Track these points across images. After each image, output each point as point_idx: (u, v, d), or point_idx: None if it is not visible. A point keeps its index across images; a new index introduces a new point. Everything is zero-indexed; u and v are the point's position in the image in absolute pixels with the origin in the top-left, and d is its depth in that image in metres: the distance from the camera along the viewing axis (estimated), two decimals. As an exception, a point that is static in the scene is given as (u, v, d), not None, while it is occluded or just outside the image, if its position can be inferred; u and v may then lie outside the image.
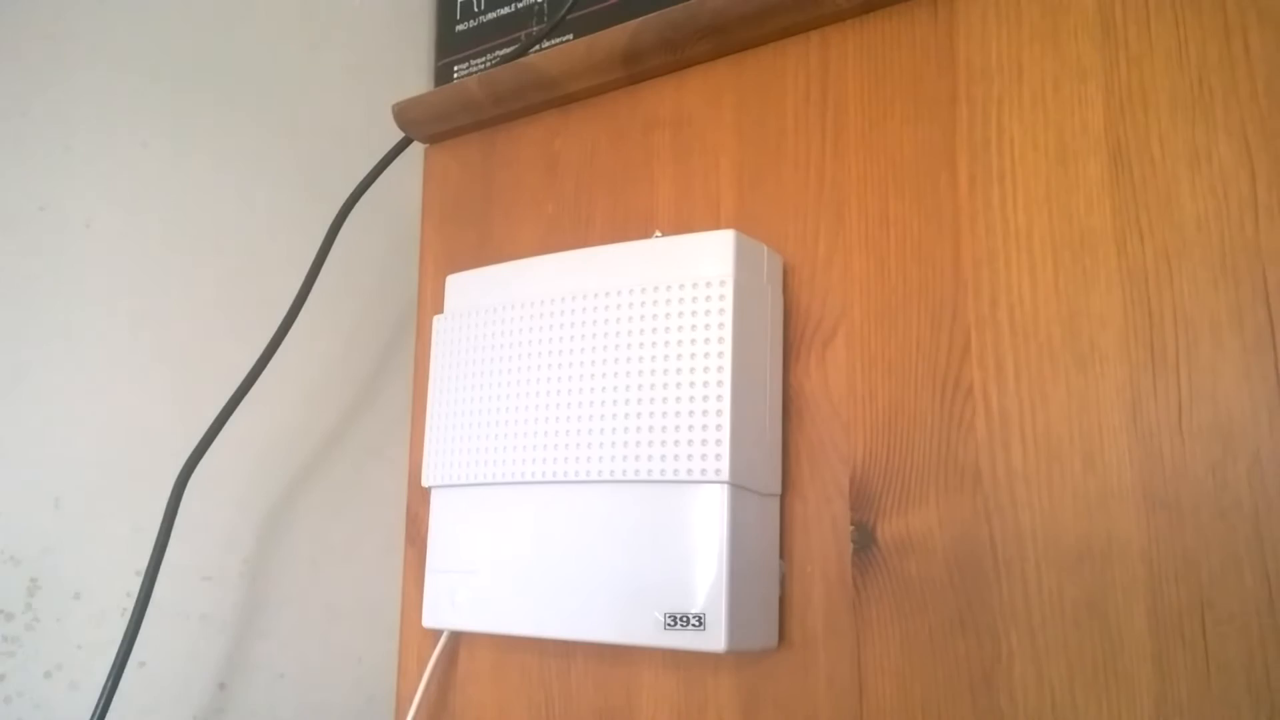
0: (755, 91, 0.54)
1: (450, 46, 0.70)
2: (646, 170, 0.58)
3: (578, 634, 0.47)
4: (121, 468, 0.51)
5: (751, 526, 0.46)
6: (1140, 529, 0.40)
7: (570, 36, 0.63)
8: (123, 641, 0.47)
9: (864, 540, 0.47)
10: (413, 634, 0.62)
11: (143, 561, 0.50)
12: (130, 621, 0.47)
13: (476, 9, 0.69)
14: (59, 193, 0.51)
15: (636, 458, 0.46)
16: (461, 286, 0.56)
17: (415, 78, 0.71)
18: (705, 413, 0.45)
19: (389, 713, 0.62)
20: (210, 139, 0.58)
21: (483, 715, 0.58)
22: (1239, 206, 0.40)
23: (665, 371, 0.46)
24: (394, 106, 0.64)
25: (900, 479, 0.46)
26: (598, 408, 0.48)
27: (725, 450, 0.44)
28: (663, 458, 0.46)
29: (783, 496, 0.49)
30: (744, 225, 0.53)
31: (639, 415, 0.47)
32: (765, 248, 0.50)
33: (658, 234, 0.53)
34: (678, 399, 0.46)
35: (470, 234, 0.65)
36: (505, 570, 0.50)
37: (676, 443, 0.45)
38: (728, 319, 0.46)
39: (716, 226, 0.54)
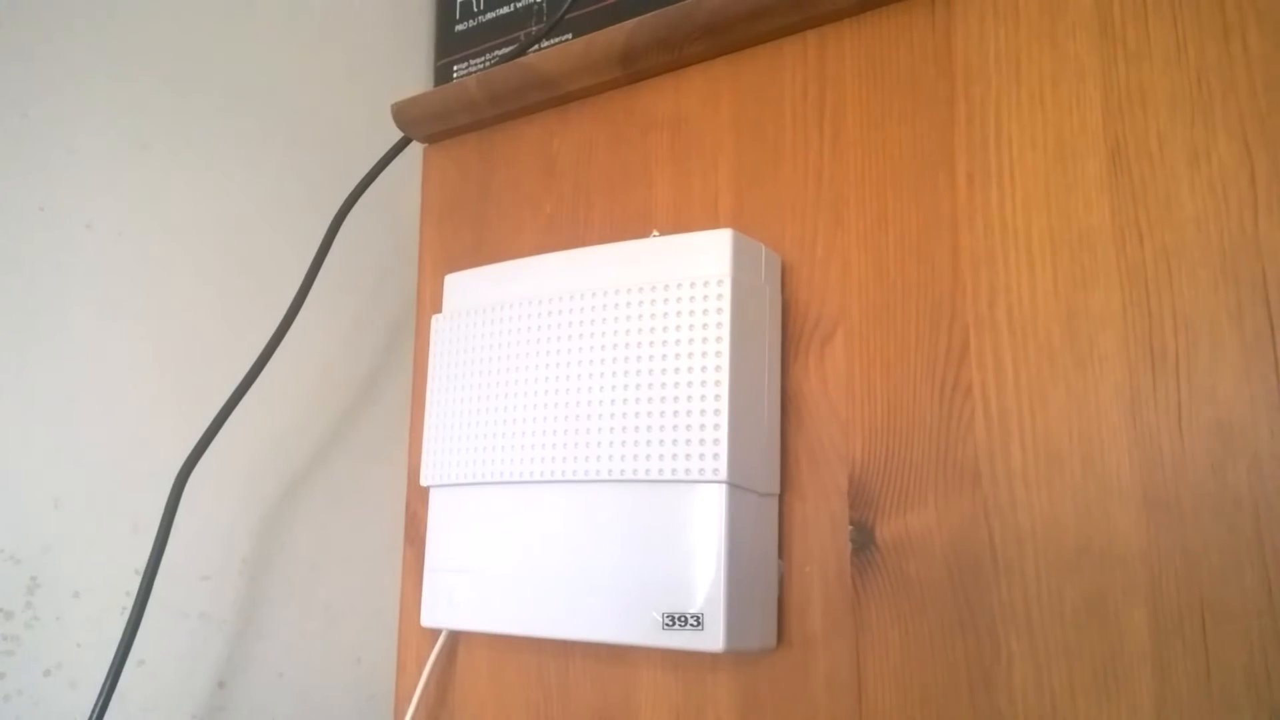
0: (753, 91, 0.54)
1: (449, 46, 0.70)
2: (644, 170, 0.58)
3: (576, 634, 0.47)
4: (121, 467, 0.52)
5: (750, 526, 0.46)
6: (1140, 529, 0.40)
7: (569, 36, 0.63)
8: (122, 640, 0.47)
9: (863, 540, 0.46)
10: (412, 633, 0.62)
11: (142, 560, 0.50)
12: (129, 620, 0.47)
13: (475, 9, 0.69)
14: (59, 193, 0.51)
15: (635, 457, 0.46)
16: (460, 286, 0.56)
17: (414, 78, 0.71)
18: (703, 412, 0.45)
19: (388, 712, 0.62)
20: (210, 140, 0.58)
21: (481, 714, 0.58)
22: (1238, 205, 0.40)
23: (663, 371, 0.46)
24: (393, 106, 0.65)
25: (899, 479, 0.46)
26: (596, 407, 0.48)
27: (723, 450, 0.44)
28: (661, 457, 0.46)
29: (781, 496, 0.49)
30: (742, 224, 0.53)
31: (637, 415, 0.47)
32: (763, 247, 0.50)
33: (655, 233, 0.53)
34: (676, 398, 0.46)
35: (469, 233, 0.65)
36: (504, 570, 0.50)
37: (674, 442, 0.45)
38: (726, 318, 0.46)
39: (714, 226, 0.54)
